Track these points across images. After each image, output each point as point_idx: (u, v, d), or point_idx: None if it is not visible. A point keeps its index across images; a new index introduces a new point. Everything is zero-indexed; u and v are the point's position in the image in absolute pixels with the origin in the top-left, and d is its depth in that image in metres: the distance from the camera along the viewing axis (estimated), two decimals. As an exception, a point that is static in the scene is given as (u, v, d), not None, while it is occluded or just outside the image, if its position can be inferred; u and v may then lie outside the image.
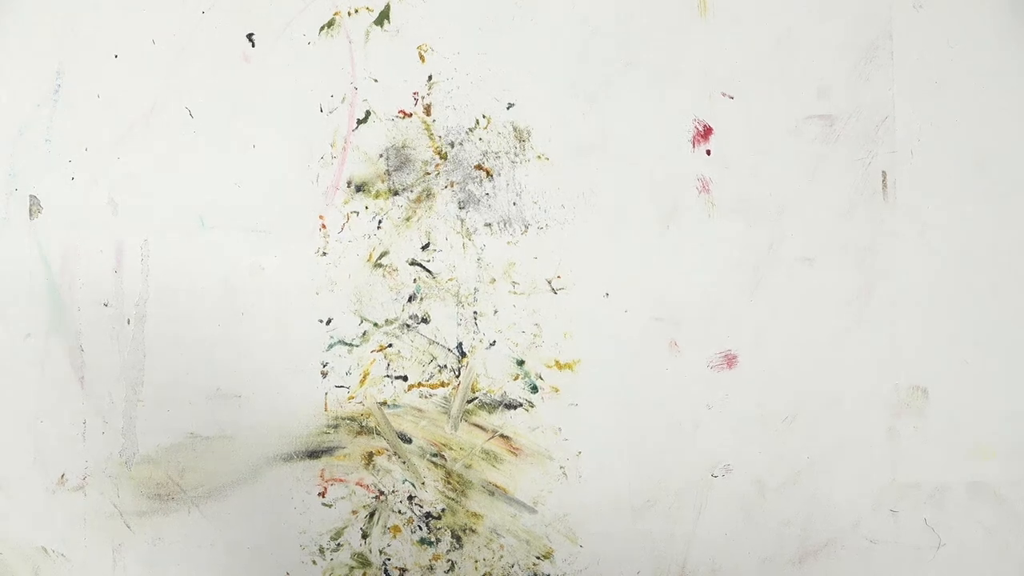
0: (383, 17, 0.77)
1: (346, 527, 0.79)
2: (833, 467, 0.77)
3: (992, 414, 0.77)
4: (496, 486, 0.78)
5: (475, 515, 0.79)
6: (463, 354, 0.78)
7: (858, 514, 0.78)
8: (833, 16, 0.76)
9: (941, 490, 0.77)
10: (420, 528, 0.79)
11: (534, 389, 0.77)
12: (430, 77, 0.77)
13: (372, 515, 0.79)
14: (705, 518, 0.78)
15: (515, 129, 0.77)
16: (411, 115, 0.77)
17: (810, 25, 0.76)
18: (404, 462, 0.78)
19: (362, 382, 0.78)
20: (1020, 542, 0.78)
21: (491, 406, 0.78)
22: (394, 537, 0.79)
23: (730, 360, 0.77)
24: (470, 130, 0.77)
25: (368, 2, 0.77)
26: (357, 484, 0.78)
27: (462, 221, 0.77)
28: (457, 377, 0.78)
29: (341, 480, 0.78)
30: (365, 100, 0.77)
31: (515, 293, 0.77)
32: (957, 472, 0.77)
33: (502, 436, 0.78)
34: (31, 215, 0.78)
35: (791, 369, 0.77)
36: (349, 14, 0.77)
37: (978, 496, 0.77)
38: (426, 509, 0.79)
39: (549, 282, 0.77)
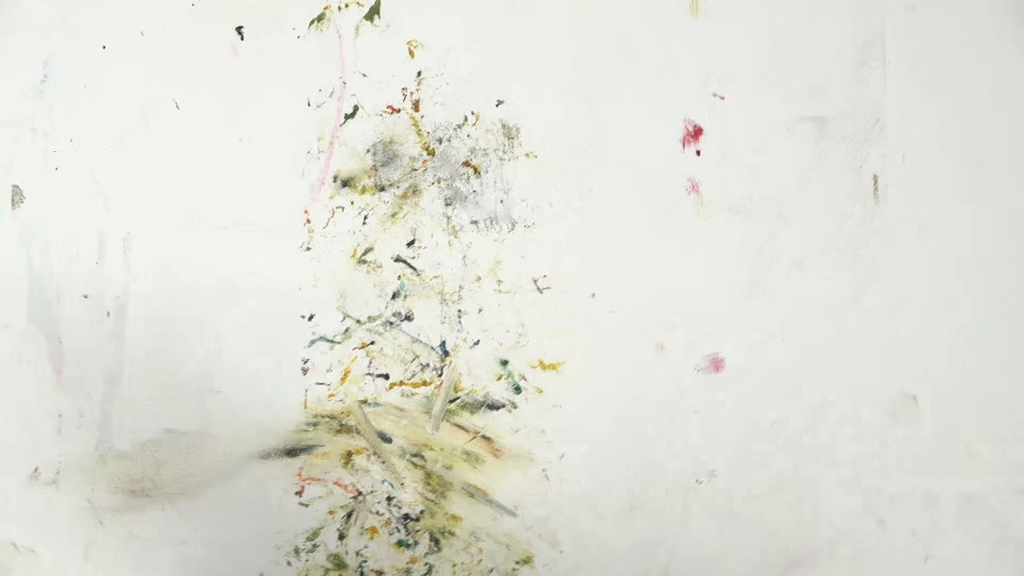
0: (373, 12, 0.77)
1: (322, 527, 0.77)
2: (821, 475, 0.76)
3: (984, 422, 0.75)
4: (476, 488, 0.77)
5: (454, 517, 0.77)
6: (446, 353, 0.76)
7: (846, 523, 0.76)
8: (826, 18, 0.76)
9: (931, 499, 0.76)
10: (398, 530, 0.77)
11: (517, 390, 0.76)
12: (419, 73, 0.77)
13: (349, 516, 0.77)
14: (689, 525, 0.76)
15: (504, 126, 0.76)
16: (399, 111, 0.77)
17: (803, 26, 0.76)
18: (384, 462, 0.77)
19: (343, 380, 0.77)
20: (1010, 553, 0.76)
21: (474, 406, 0.76)
22: (371, 539, 0.77)
23: (717, 363, 0.76)
24: (458, 126, 0.77)
25: (358, -4, 0.77)
26: (335, 484, 0.77)
27: (448, 218, 0.77)
28: (440, 376, 0.76)
29: (319, 479, 0.77)
30: (353, 95, 0.77)
31: (500, 292, 0.76)
32: (948, 481, 0.76)
33: (484, 437, 0.76)
34: (13, 204, 0.77)
35: (779, 373, 0.75)
36: (339, 8, 0.77)
37: (968, 506, 0.76)
38: (405, 510, 0.77)
39: (535, 281, 0.76)
